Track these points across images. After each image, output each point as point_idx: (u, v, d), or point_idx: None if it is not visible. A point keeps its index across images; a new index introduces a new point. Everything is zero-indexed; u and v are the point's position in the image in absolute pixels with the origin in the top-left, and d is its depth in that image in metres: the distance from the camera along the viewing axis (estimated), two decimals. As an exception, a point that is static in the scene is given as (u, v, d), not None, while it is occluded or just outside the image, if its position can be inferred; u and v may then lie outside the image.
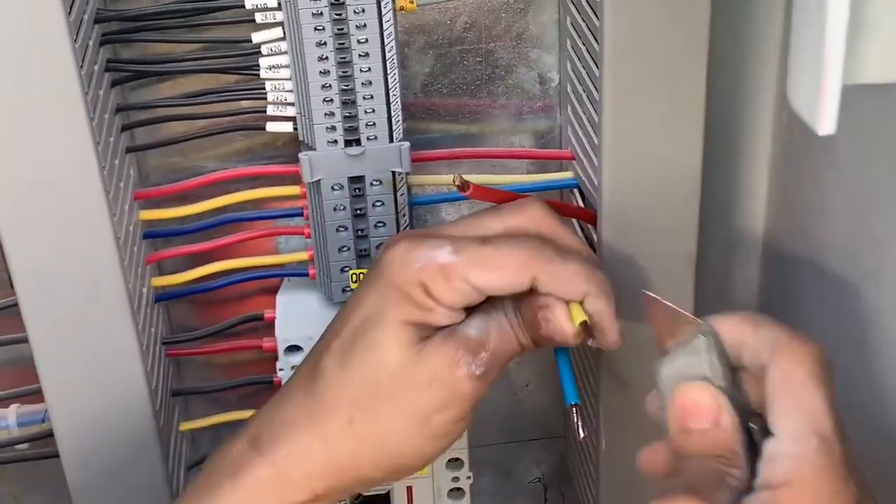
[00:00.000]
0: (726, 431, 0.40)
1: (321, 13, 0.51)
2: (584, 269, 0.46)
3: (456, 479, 0.60)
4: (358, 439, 0.45)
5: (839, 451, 0.38)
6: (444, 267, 0.44)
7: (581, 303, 0.46)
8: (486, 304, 0.46)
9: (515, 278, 0.45)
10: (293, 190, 0.57)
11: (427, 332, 0.45)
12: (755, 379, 0.41)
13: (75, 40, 0.47)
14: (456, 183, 0.48)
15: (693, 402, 0.40)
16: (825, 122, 0.30)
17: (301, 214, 0.57)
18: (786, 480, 0.37)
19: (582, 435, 0.47)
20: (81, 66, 0.47)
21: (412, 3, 0.53)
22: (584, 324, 0.46)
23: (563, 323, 0.45)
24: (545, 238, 0.47)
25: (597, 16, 0.50)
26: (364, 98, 0.53)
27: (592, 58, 0.52)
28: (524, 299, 0.46)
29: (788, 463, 0.38)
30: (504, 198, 0.50)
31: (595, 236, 0.55)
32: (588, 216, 0.55)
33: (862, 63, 0.31)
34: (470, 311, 0.46)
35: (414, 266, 0.45)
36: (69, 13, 0.46)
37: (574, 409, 0.48)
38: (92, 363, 0.53)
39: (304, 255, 0.58)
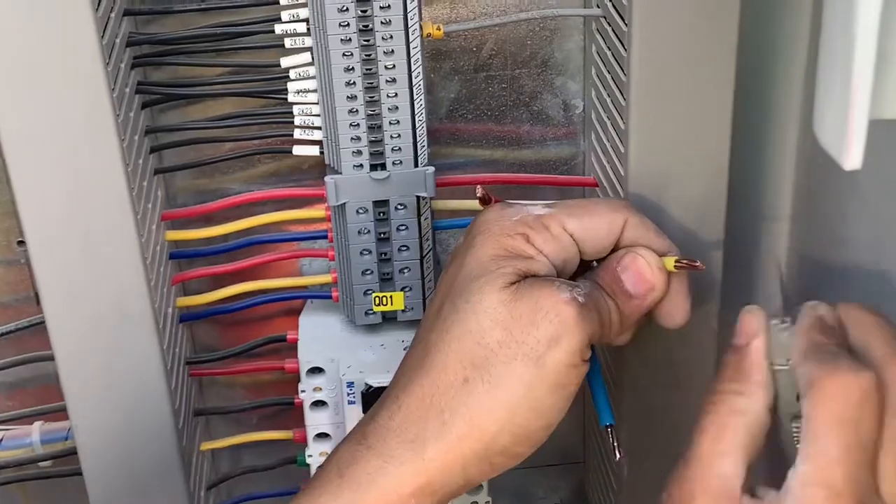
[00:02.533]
0: (750, 355, 0.40)
1: (350, 39, 0.51)
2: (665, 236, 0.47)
3: (475, 503, 0.60)
4: (475, 399, 0.43)
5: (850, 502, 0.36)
6: (541, 216, 0.45)
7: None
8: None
9: (609, 220, 0.45)
10: (318, 213, 0.57)
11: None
12: None
13: (107, 63, 0.47)
14: (478, 195, 0.48)
15: (743, 322, 0.40)
16: (852, 157, 0.31)
17: (325, 237, 0.58)
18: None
19: (619, 456, 0.47)
20: (113, 89, 0.48)
21: (439, 30, 0.54)
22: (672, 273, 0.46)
23: (650, 260, 0.45)
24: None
25: (623, 46, 0.50)
26: (390, 123, 0.54)
27: (618, 87, 0.52)
28: (602, 265, 0.46)
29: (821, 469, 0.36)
30: None
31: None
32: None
33: (889, 99, 0.31)
34: None
35: (512, 219, 0.45)
36: (102, 36, 0.47)
37: (609, 430, 0.47)
38: (117, 382, 0.53)
39: (327, 278, 0.59)
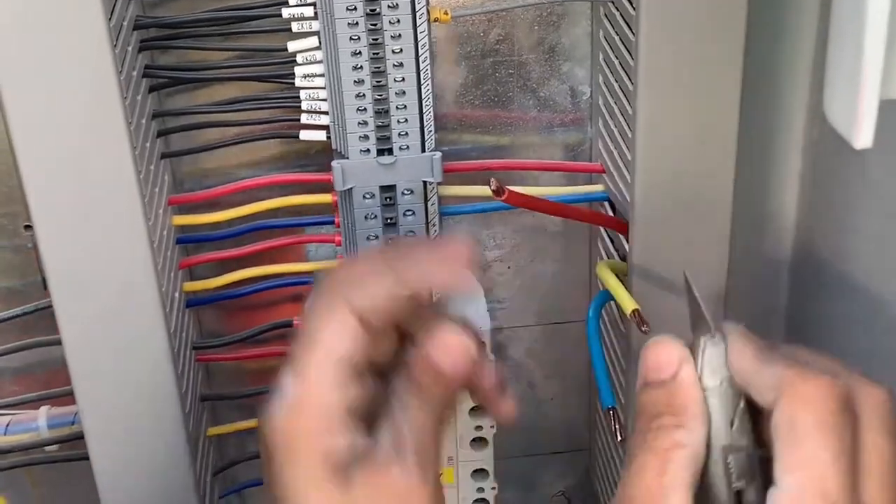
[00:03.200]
0: (683, 385, 0.37)
1: (357, 23, 0.51)
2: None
3: (481, 489, 0.60)
4: None
5: None
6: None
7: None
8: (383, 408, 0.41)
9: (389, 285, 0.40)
10: (325, 198, 0.57)
11: (344, 467, 0.39)
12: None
13: (115, 46, 0.47)
14: (492, 187, 0.48)
15: (657, 355, 0.38)
16: (862, 136, 0.31)
17: (332, 222, 0.58)
18: None
19: (620, 438, 0.47)
20: (121, 72, 0.48)
21: (447, 14, 0.54)
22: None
23: (452, 332, 0.40)
24: None
25: (632, 30, 0.50)
26: (397, 108, 0.54)
27: (626, 72, 0.52)
28: (414, 361, 0.41)
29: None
30: (538, 206, 0.50)
31: (626, 248, 0.55)
32: (620, 227, 0.55)
33: (899, 79, 0.31)
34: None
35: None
36: (110, 19, 0.47)
37: (611, 412, 0.47)
38: (124, 366, 0.53)
39: (334, 263, 0.59)
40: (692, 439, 0.36)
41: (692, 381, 0.37)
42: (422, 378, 0.40)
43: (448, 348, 0.40)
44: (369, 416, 0.40)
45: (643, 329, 0.47)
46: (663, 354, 0.38)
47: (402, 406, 0.40)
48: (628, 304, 0.50)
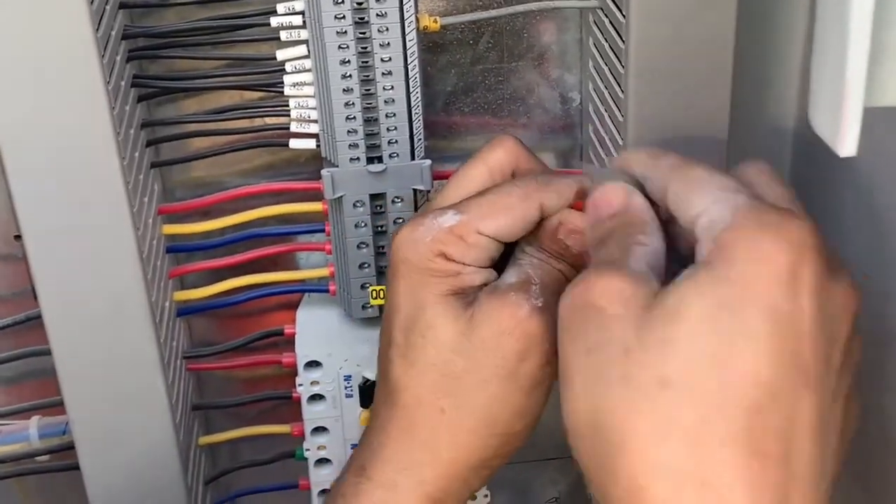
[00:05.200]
0: (636, 209, 0.40)
1: (345, 31, 0.51)
2: (575, 179, 0.45)
3: (473, 497, 0.60)
4: (455, 425, 0.44)
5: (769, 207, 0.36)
6: (453, 229, 0.44)
7: None
8: (511, 258, 0.46)
9: (524, 211, 0.44)
10: (315, 206, 0.57)
11: (469, 297, 0.44)
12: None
13: (103, 56, 0.47)
14: None
15: (604, 194, 0.41)
16: (847, 144, 0.31)
17: (322, 230, 0.58)
18: (724, 226, 0.35)
19: None
20: (109, 82, 0.48)
21: (436, 22, 0.54)
22: None
23: (576, 218, 0.44)
24: (530, 172, 0.47)
25: (621, 37, 0.50)
26: (387, 116, 0.54)
27: (616, 79, 0.52)
28: (541, 232, 0.45)
29: (719, 213, 0.36)
30: None
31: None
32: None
33: (883, 86, 0.31)
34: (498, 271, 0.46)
35: (425, 241, 0.44)
36: (97, 29, 0.47)
37: None
38: (114, 376, 0.53)
39: (324, 271, 0.59)
40: (652, 241, 0.39)
41: (645, 205, 0.40)
42: (548, 246, 0.45)
43: (575, 226, 0.44)
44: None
45: None
46: (611, 191, 0.41)
47: (528, 256, 0.45)
48: None
